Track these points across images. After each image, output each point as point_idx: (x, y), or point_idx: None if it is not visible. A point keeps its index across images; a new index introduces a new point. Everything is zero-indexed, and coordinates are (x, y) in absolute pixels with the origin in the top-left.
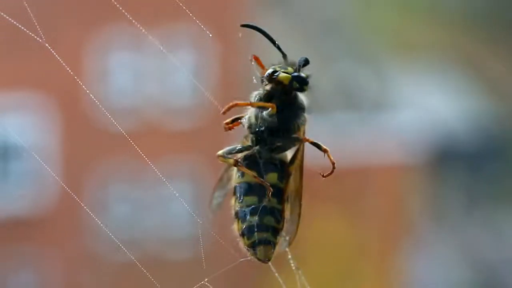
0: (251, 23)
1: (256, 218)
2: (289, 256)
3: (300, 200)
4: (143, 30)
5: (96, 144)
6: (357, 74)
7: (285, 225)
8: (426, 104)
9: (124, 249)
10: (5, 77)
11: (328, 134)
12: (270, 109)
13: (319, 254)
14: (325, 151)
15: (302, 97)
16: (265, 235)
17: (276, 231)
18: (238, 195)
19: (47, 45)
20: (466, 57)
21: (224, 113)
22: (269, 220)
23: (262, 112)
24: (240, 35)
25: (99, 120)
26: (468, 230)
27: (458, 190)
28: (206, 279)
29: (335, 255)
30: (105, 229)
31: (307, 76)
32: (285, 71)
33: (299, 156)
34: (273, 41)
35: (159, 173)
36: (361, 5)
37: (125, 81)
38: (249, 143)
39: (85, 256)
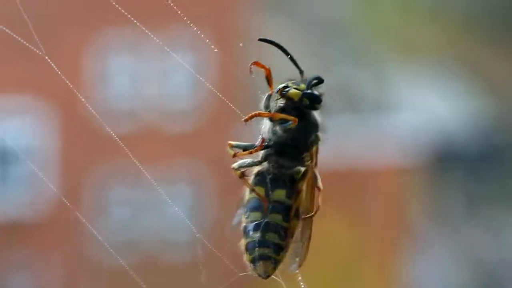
0: (268, 38)
1: (258, 234)
2: (299, 278)
3: (311, 222)
4: (146, 31)
5: (94, 147)
6: (357, 76)
7: (295, 245)
8: (426, 106)
9: (115, 254)
10: (4, 81)
11: (328, 135)
12: (291, 122)
13: (319, 256)
14: (318, 188)
15: (315, 115)
16: (266, 251)
17: (278, 248)
18: (245, 210)
19: (46, 58)
20: (466, 59)
21: (246, 121)
22: (272, 236)
23: (277, 126)
24: (241, 44)
25: (97, 123)
26: (468, 231)
27: (458, 192)
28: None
29: (335, 257)
30: (97, 234)
31: (320, 94)
32: (297, 87)
33: (310, 175)
34: (290, 57)
35: (151, 178)
36: (361, 7)
37: (124, 84)
38: (259, 158)
39: (83, 260)
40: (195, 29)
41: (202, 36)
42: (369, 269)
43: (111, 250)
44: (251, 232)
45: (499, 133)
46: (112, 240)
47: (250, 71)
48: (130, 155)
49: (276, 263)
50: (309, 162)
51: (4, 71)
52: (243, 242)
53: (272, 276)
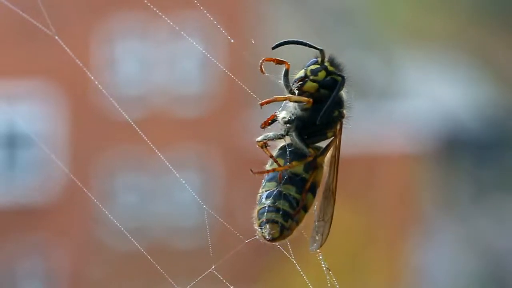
0: (279, 42)
1: (269, 200)
2: (320, 257)
3: (334, 199)
4: (161, 14)
5: (103, 133)
6: (366, 64)
7: (317, 224)
8: (435, 93)
9: (129, 237)
10: (13, 66)
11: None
12: (306, 103)
13: (327, 243)
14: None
15: (342, 93)
16: (274, 215)
17: (287, 215)
18: (263, 182)
19: (56, 37)
20: (474, 46)
21: (262, 105)
22: (283, 204)
23: (296, 105)
24: (252, 41)
25: (106, 109)
26: (475, 219)
27: (466, 179)
28: (213, 266)
29: (343, 244)
30: (110, 216)
31: (342, 77)
32: (314, 78)
33: (334, 152)
34: (305, 43)
35: (161, 163)
36: None
37: (133, 69)
38: (282, 132)
39: (92, 244)
40: (205, 12)
41: (213, 21)
42: (377, 255)
43: (125, 232)
44: (263, 199)
45: (508, 121)
46: (121, 225)
47: (261, 70)
48: (146, 139)
49: (283, 228)
50: (332, 138)
51: (14, 57)
52: (255, 210)
53: (287, 255)
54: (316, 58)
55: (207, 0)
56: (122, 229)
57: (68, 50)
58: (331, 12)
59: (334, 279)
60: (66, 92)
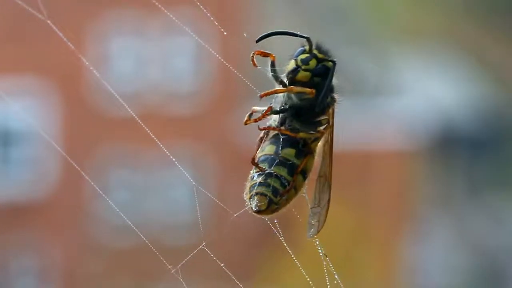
0: (262, 34)
1: (261, 177)
2: (317, 243)
3: (329, 186)
4: (164, 10)
5: (97, 129)
6: (360, 61)
7: (313, 209)
8: (429, 91)
9: (137, 231)
10: (7, 62)
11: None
12: (308, 94)
13: (321, 240)
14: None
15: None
16: (263, 189)
17: (276, 191)
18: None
19: (49, 22)
20: (469, 44)
21: (261, 96)
22: (274, 181)
23: (288, 95)
24: (245, 34)
25: (100, 105)
26: (469, 216)
27: (460, 176)
28: (203, 243)
29: (337, 240)
30: (117, 208)
31: (333, 63)
32: (306, 67)
33: (327, 138)
34: (290, 33)
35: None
36: None
37: (127, 66)
38: (276, 122)
39: (85, 241)
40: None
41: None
42: (371, 252)
43: (130, 224)
44: (255, 177)
45: (500, 118)
46: (115, 222)
47: (253, 63)
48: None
49: (271, 202)
50: (326, 125)
51: (8, 53)
52: (247, 186)
53: (286, 245)
54: (303, 47)
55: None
56: (125, 219)
57: (70, 44)
58: (325, 10)
59: (331, 266)
60: (60, 89)
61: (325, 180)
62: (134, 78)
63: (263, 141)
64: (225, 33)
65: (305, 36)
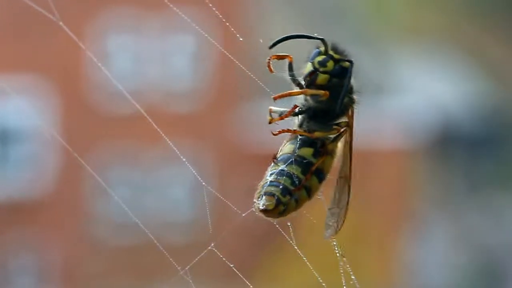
0: (276, 40)
1: (272, 176)
2: (334, 243)
3: (349, 187)
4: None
5: (95, 128)
6: (360, 59)
7: (331, 210)
8: (428, 89)
9: (146, 230)
10: (5, 61)
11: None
12: (322, 95)
13: (319, 238)
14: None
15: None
16: (273, 188)
17: (286, 191)
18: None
19: (61, 23)
20: (468, 42)
21: (275, 98)
22: (284, 180)
23: (309, 96)
24: (241, 39)
25: (99, 104)
26: (468, 214)
27: (459, 175)
28: (212, 244)
29: (335, 239)
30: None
31: (350, 63)
32: (324, 69)
33: (347, 139)
34: (306, 36)
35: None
36: None
37: (125, 64)
38: (296, 124)
39: (84, 239)
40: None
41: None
42: (369, 251)
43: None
44: (267, 176)
45: (500, 117)
46: (115, 220)
47: (270, 68)
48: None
49: (279, 202)
50: (345, 127)
51: (6, 51)
52: (258, 186)
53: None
54: (318, 48)
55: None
56: (130, 215)
57: (74, 37)
58: (325, 9)
59: (348, 267)
60: (59, 87)
61: (345, 181)
62: (133, 77)
63: (284, 141)
64: (241, 39)
65: (320, 37)
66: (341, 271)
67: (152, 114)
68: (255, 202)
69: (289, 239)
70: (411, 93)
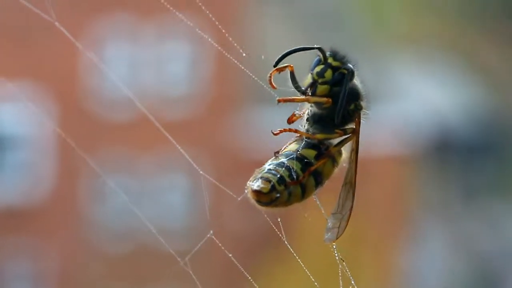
0: (278, 57)
1: (271, 166)
2: (334, 246)
3: (353, 193)
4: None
5: (91, 135)
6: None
7: (334, 215)
8: (425, 96)
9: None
10: (2, 67)
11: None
12: (325, 103)
13: (316, 244)
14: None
15: (355, 84)
16: (270, 175)
17: (283, 180)
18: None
19: (56, 23)
20: (464, 48)
21: (279, 101)
22: (283, 171)
23: (312, 103)
24: (244, 54)
25: (94, 111)
26: (464, 221)
27: (455, 181)
28: (211, 232)
29: (331, 245)
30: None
31: (351, 70)
32: (323, 80)
33: (353, 146)
34: (304, 48)
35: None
36: None
37: (121, 71)
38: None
39: (80, 246)
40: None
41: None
42: (366, 257)
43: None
44: (266, 165)
45: (497, 123)
46: (109, 228)
47: (271, 85)
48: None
49: (273, 189)
50: (350, 133)
51: (3, 58)
52: (255, 172)
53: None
54: (319, 57)
55: (195, 4)
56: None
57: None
58: (320, 15)
59: (347, 271)
60: (54, 94)
61: (350, 187)
62: (128, 83)
63: (288, 142)
64: (244, 55)
65: (316, 47)
66: (340, 274)
67: (148, 121)
68: (249, 183)
69: (288, 245)
70: (408, 99)
